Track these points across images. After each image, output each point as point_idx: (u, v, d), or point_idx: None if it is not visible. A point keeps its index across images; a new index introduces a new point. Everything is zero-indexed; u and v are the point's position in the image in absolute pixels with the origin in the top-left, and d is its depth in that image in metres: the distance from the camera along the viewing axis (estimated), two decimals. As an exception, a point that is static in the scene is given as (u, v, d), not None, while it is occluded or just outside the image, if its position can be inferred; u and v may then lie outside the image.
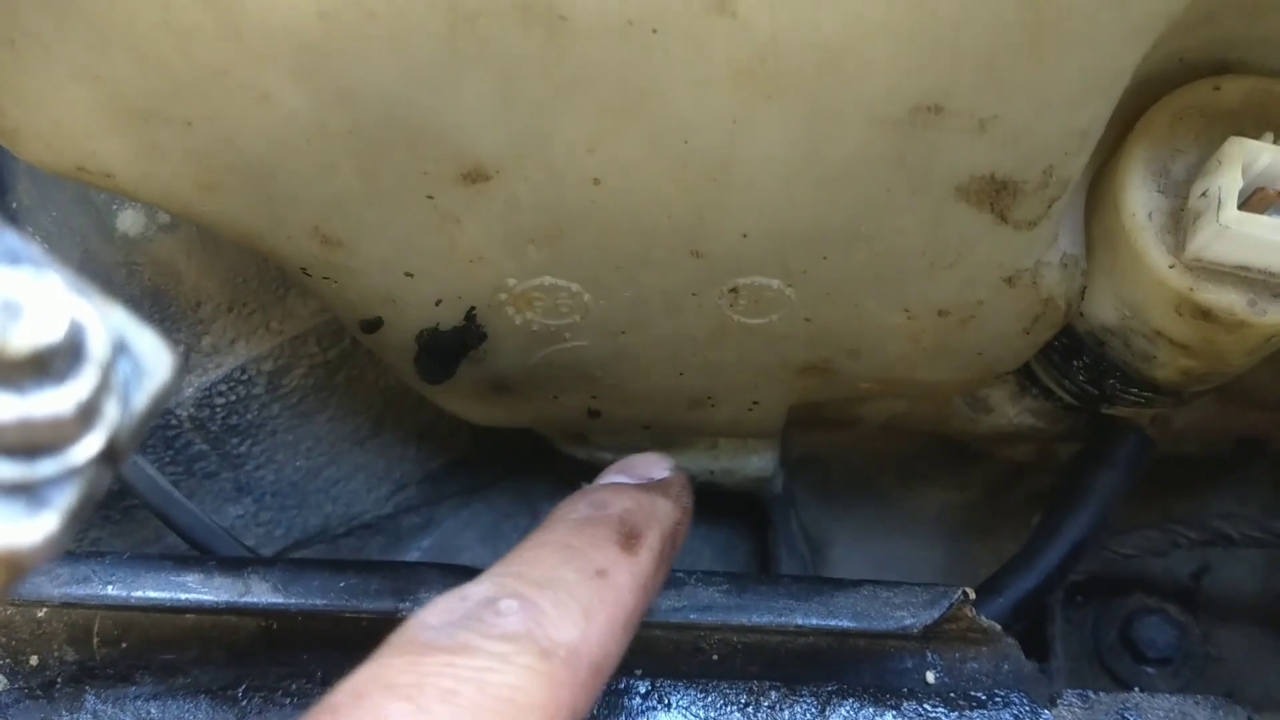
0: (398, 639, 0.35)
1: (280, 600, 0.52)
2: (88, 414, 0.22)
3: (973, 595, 0.52)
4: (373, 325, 0.54)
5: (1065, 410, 0.65)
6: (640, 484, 0.46)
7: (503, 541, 0.74)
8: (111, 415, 0.22)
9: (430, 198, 0.46)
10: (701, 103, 0.41)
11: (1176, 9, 0.38)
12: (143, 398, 0.23)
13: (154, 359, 0.24)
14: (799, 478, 0.73)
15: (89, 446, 0.22)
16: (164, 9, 0.38)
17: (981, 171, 0.44)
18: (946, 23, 0.38)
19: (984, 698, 0.55)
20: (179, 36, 0.39)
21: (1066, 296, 0.51)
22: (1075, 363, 0.57)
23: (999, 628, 0.55)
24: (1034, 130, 0.42)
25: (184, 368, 0.24)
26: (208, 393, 0.61)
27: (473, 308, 0.52)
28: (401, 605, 0.52)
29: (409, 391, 0.64)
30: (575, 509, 0.42)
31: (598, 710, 0.54)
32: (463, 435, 0.72)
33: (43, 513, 0.21)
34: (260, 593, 0.52)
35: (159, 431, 0.62)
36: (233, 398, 0.62)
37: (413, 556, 0.73)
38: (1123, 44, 0.39)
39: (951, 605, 0.52)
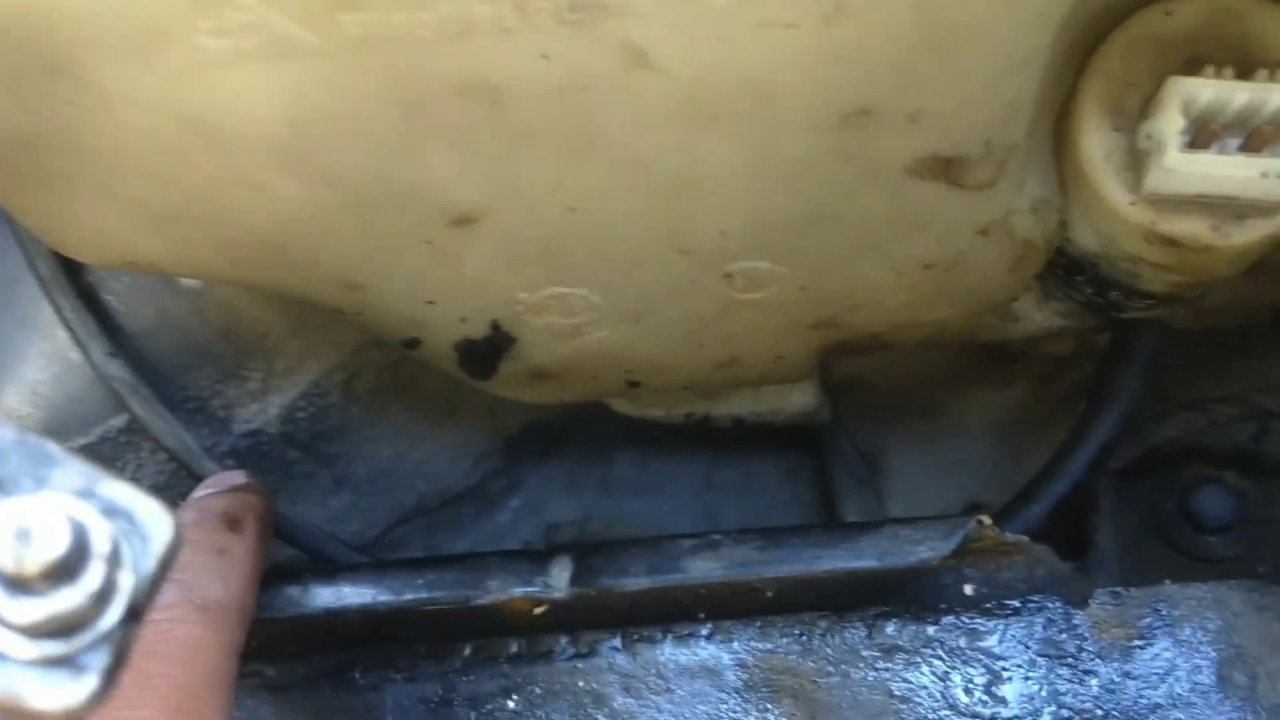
0: None
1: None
2: (104, 595, 0.28)
3: (987, 520, 0.56)
4: (412, 343, 0.59)
5: (1090, 309, 0.67)
6: (226, 489, 0.58)
7: (582, 491, 0.80)
8: (126, 584, 0.28)
9: (429, 242, 0.50)
10: (647, 139, 0.44)
11: (1071, -6, 0.40)
12: (150, 560, 0.29)
13: (156, 524, 0.29)
14: (846, 398, 0.77)
15: (111, 616, 0.28)
16: (154, 138, 0.44)
17: (924, 154, 0.46)
18: (852, 45, 0.40)
19: (1019, 605, 0.59)
20: (175, 156, 0.45)
21: (1044, 236, 0.53)
22: (1078, 278, 0.59)
23: (1026, 539, 0.59)
24: (961, 114, 0.44)
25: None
26: (289, 410, 0.68)
27: (495, 319, 0.57)
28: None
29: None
30: (184, 517, 0.54)
31: (669, 651, 0.60)
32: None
33: (84, 676, 0.27)
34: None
35: (256, 449, 0.70)
36: (313, 410, 0.69)
37: (505, 517, 0.80)
38: (1025, 33, 0.40)
39: (967, 535, 0.56)
